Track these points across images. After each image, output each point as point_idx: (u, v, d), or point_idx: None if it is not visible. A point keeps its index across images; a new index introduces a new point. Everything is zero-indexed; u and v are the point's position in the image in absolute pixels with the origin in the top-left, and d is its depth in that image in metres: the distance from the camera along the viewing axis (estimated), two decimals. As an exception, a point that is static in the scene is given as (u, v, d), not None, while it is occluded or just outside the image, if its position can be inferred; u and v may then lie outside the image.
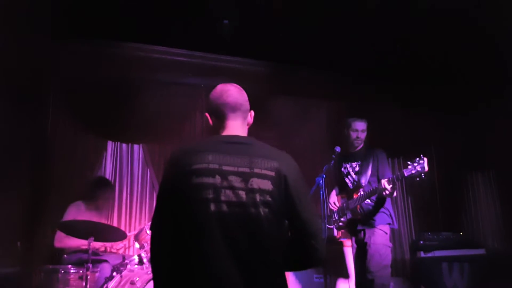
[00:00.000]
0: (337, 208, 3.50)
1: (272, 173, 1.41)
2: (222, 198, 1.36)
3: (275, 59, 4.65)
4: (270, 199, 1.39)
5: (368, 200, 3.27)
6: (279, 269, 1.42)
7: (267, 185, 1.39)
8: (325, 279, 3.28)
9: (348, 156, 3.49)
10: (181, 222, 1.38)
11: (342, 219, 3.42)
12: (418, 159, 2.94)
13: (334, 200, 3.54)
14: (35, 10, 3.38)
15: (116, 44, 4.32)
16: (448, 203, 5.37)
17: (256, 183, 1.39)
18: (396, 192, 3.19)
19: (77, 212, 3.63)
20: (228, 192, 1.37)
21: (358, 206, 3.28)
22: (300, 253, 1.48)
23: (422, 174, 2.91)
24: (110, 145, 4.54)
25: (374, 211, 3.25)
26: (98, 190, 3.84)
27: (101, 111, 4.23)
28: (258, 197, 1.37)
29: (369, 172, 3.30)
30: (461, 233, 4.57)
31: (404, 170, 3.01)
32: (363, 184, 3.31)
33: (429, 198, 5.32)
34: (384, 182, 3.02)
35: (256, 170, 1.40)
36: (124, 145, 4.62)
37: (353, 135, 3.42)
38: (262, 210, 1.37)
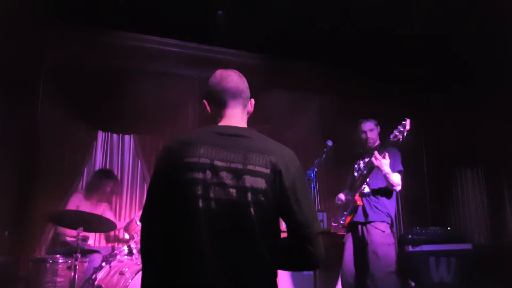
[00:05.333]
0: (342, 203, 3.51)
1: (267, 170, 1.32)
2: (211, 195, 1.29)
3: (268, 51, 4.63)
4: (263, 198, 1.30)
5: (367, 190, 3.30)
6: (270, 268, 1.35)
7: (260, 183, 1.30)
8: (314, 272, 3.29)
9: (362, 153, 3.51)
10: (170, 216, 1.34)
11: (345, 212, 3.42)
12: (402, 121, 3.04)
13: (341, 197, 3.53)
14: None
15: (109, 33, 4.26)
16: (437, 198, 5.44)
17: (248, 181, 1.30)
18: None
19: (77, 202, 3.68)
20: (218, 189, 1.30)
21: (359, 193, 3.29)
22: (295, 256, 1.40)
23: (405, 132, 3.00)
24: (100, 135, 4.50)
25: (370, 202, 3.27)
26: (99, 182, 3.87)
27: (92, 101, 4.18)
28: (249, 196, 1.29)
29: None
30: (449, 228, 4.63)
31: (390, 136, 3.09)
32: (364, 172, 3.30)
33: (418, 193, 5.37)
34: (375, 152, 3.09)
35: (249, 167, 1.31)
36: (115, 136, 4.58)
37: (363, 136, 3.45)
38: (253, 210, 1.29)
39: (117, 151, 4.57)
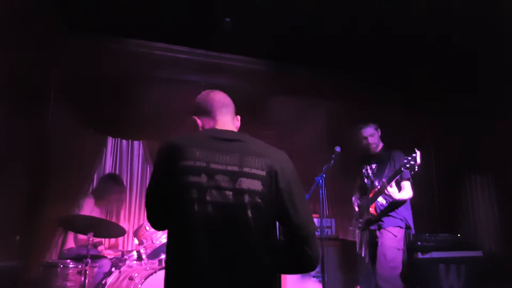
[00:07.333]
0: (357, 209, 3.55)
1: (263, 173, 1.34)
2: (208, 198, 1.30)
3: (276, 57, 4.65)
4: (259, 200, 1.32)
5: (383, 202, 3.32)
6: (267, 270, 1.35)
7: (257, 185, 1.33)
8: (323, 276, 3.30)
9: (368, 158, 3.54)
10: (169, 218, 1.37)
11: (360, 220, 3.47)
12: (412, 153, 2.98)
13: (357, 202, 3.59)
14: (35, 4, 3.38)
15: (118, 40, 4.32)
16: (446, 205, 5.38)
17: (245, 183, 1.32)
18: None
19: (90, 208, 3.70)
20: (214, 192, 1.31)
21: (374, 205, 3.32)
22: (292, 258, 1.41)
23: (416, 167, 2.93)
24: (110, 141, 4.55)
25: (386, 212, 3.30)
26: (108, 188, 3.86)
27: (101, 107, 4.23)
28: (246, 198, 1.31)
29: (384, 174, 3.32)
30: (459, 235, 4.57)
31: (402, 168, 3.05)
32: (376, 185, 3.36)
33: (427, 199, 5.32)
34: (384, 181, 3.09)
35: (245, 169, 1.34)
36: (124, 141, 4.64)
37: (364, 142, 3.48)
38: (250, 212, 1.30)
39: (127, 157, 4.62)
